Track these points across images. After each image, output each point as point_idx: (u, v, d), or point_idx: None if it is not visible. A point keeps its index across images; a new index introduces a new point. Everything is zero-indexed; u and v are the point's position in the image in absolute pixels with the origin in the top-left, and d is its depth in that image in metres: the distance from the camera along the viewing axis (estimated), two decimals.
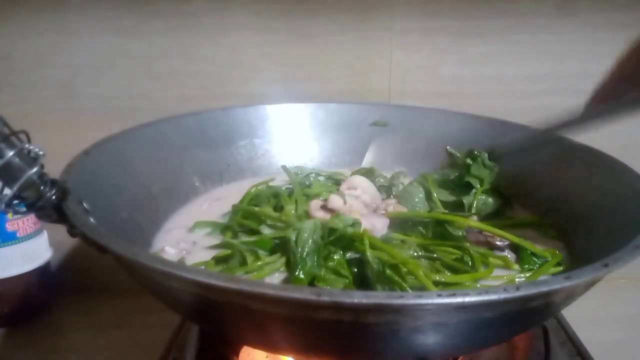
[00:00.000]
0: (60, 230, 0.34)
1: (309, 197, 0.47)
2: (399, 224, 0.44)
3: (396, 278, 0.34)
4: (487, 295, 0.26)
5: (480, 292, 0.26)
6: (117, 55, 0.62)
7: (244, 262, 0.39)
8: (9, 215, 0.56)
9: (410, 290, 0.34)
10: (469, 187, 0.50)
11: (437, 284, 0.36)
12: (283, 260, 0.38)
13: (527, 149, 0.52)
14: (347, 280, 0.35)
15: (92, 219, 0.34)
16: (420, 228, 0.43)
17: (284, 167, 0.55)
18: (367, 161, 0.57)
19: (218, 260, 0.40)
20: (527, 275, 0.40)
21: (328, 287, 0.34)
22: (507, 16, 0.62)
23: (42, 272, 0.61)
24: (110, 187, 0.43)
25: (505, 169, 0.51)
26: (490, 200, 0.49)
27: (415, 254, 0.40)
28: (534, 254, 0.41)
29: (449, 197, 0.49)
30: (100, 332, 0.59)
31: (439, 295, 0.26)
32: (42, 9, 0.60)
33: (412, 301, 0.26)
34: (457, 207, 0.48)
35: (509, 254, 0.42)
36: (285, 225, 0.42)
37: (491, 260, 0.40)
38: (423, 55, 0.63)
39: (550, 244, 0.44)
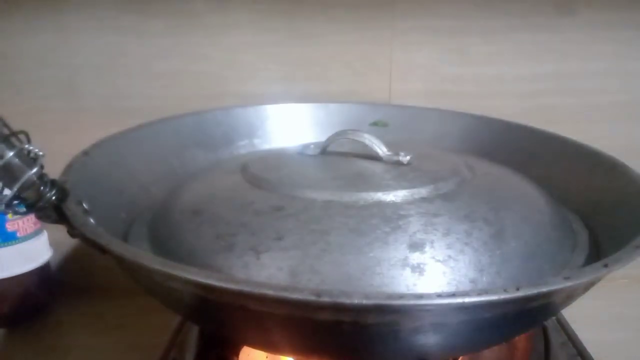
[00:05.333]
0: (61, 230, 0.34)
1: None
2: None
3: None
4: (487, 295, 0.26)
5: (480, 293, 0.26)
6: (117, 54, 0.62)
7: None
8: (9, 216, 0.56)
9: None
10: None
11: None
12: None
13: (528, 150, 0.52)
14: None
15: (91, 220, 0.34)
16: None
17: None
18: None
19: None
20: None
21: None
22: (508, 16, 0.62)
23: (42, 272, 0.61)
24: (110, 187, 0.43)
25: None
26: None
27: None
28: None
29: None
30: (100, 332, 0.59)
31: (439, 296, 0.26)
32: (41, 9, 0.60)
33: (412, 302, 0.26)
34: None
35: None
36: None
37: None
38: (423, 54, 0.63)
39: None
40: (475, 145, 0.55)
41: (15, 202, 0.33)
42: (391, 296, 0.26)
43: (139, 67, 0.62)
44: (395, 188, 0.38)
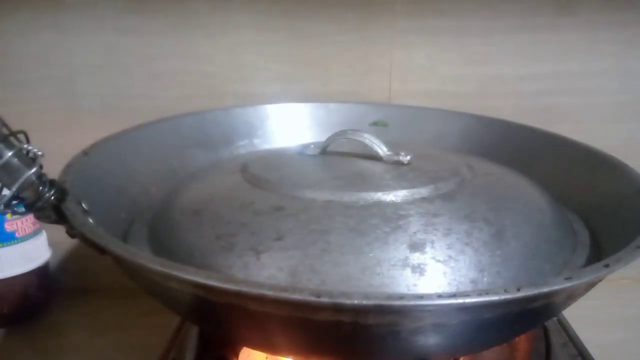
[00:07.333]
0: (60, 230, 0.34)
1: None
2: None
3: None
4: (488, 296, 0.26)
5: (481, 293, 0.26)
6: (117, 54, 0.62)
7: None
8: (8, 216, 0.56)
9: None
10: None
11: None
12: None
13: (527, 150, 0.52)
14: None
15: (90, 220, 0.34)
16: None
17: None
18: None
19: None
20: None
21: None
22: (508, 16, 0.62)
23: (41, 273, 0.61)
24: (109, 187, 0.43)
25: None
26: None
27: None
28: None
29: None
30: (99, 332, 0.59)
31: (440, 297, 0.26)
32: (41, 9, 0.60)
33: (412, 302, 0.26)
34: None
35: None
36: None
37: None
38: (423, 54, 0.63)
39: None
40: (475, 145, 0.55)
41: (14, 202, 0.33)
42: (391, 296, 0.26)
43: (139, 67, 0.62)
44: (395, 188, 0.38)
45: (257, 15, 0.61)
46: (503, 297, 0.26)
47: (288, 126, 0.58)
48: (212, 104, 0.59)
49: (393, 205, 0.36)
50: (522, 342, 0.45)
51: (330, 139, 0.45)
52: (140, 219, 0.43)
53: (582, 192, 0.46)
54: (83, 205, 0.35)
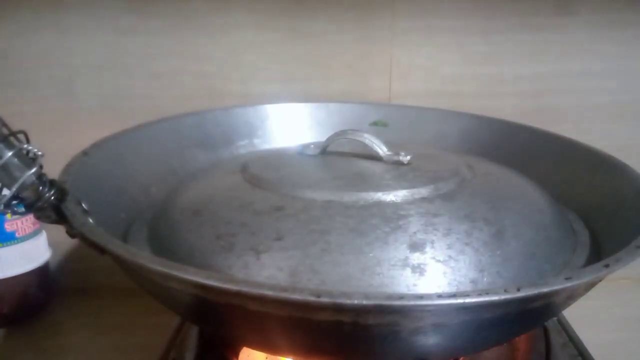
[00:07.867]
0: (60, 230, 0.34)
1: None
2: None
3: None
4: (488, 296, 0.26)
5: (481, 293, 0.26)
6: (117, 54, 0.62)
7: None
8: (8, 216, 0.56)
9: None
10: None
11: None
12: None
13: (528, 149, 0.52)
14: None
15: (90, 220, 0.34)
16: None
17: None
18: None
19: None
20: None
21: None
22: (508, 16, 0.62)
23: (41, 273, 0.61)
24: (109, 187, 0.43)
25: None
26: None
27: None
28: None
29: None
30: (99, 332, 0.59)
31: (440, 297, 0.26)
32: (41, 9, 0.60)
33: (412, 302, 0.26)
34: None
35: None
36: None
37: None
38: (423, 54, 0.63)
39: None
40: (475, 145, 0.55)
41: (14, 202, 0.33)
42: (391, 296, 0.26)
43: (139, 67, 0.62)
44: (395, 188, 0.38)
45: (257, 15, 0.61)
46: (503, 297, 0.26)
47: (288, 126, 0.58)
48: (212, 104, 0.59)
49: (393, 205, 0.36)
50: (522, 342, 0.45)
51: (330, 139, 0.45)
52: (140, 219, 0.43)
53: (582, 192, 0.46)
54: (83, 205, 0.35)
